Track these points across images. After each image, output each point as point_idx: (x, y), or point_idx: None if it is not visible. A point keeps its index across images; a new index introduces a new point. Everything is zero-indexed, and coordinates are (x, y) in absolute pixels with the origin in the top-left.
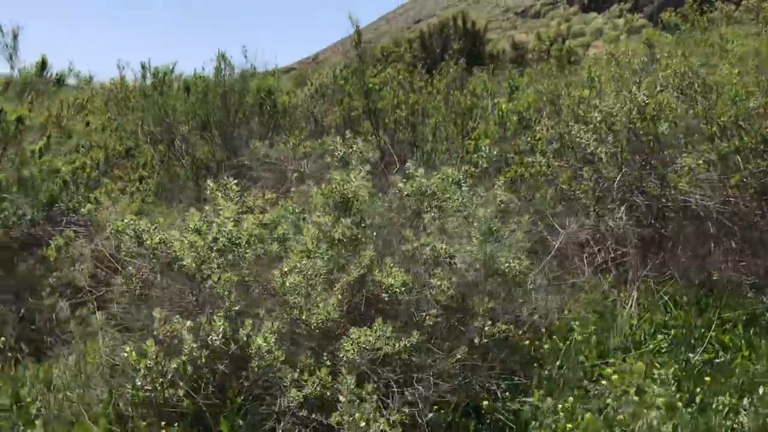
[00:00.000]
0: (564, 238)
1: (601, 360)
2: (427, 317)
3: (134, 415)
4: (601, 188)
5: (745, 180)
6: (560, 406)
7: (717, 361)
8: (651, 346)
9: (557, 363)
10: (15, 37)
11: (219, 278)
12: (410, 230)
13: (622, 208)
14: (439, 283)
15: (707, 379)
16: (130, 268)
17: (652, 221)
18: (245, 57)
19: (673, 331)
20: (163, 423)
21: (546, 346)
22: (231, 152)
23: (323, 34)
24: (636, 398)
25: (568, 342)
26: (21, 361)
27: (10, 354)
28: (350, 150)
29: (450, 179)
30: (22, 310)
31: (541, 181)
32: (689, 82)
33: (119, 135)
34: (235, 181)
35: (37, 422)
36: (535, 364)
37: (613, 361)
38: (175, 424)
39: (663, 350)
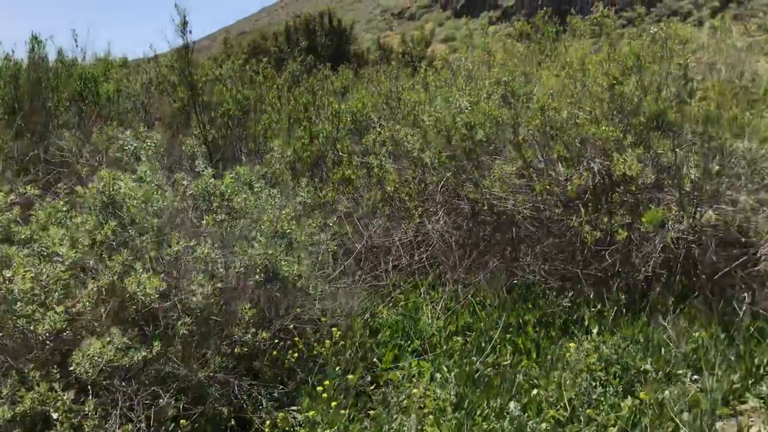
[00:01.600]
0: (369, 240)
1: (394, 364)
2: (182, 325)
3: None
4: (425, 192)
5: (548, 187)
6: (332, 415)
7: (505, 363)
8: (445, 349)
9: (339, 369)
10: None
11: None
12: (176, 233)
13: (440, 212)
14: (197, 288)
15: (488, 382)
16: None
17: (470, 225)
18: (75, 41)
19: (473, 334)
20: None
21: (328, 352)
22: (41, 144)
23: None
24: (405, 403)
25: (361, 346)
26: None
27: None
28: (142, 144)
29: (243, 179)
30: None
31: (373, 182)
32: (505, 92)
33: None
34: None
35: None
36: (317, 371)
37: (403, 365)
38: None
39: (456, 353)
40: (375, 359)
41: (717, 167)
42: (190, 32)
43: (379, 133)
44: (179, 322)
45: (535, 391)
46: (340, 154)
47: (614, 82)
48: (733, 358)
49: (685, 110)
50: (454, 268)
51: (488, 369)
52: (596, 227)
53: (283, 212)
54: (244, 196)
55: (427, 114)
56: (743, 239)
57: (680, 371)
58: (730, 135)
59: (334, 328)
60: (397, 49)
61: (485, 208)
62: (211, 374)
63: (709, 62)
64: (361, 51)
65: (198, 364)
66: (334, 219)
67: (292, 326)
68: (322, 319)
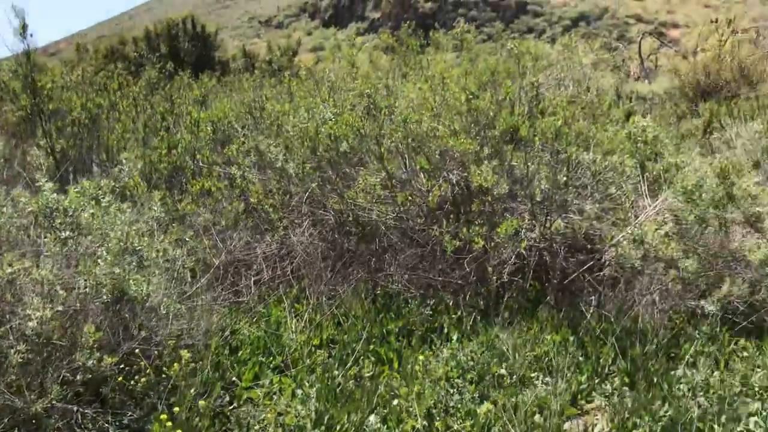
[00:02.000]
0: (230, 254)
1: (255, 382)
2: (16, 353)
3: None
4: (290, 203)
5: (411, 198)
6: None
7: (367, 374)
8: (308, 363)
9: (194, 391)
10: None
11: None
12: (10, 253)
13: (305, 224)
14: (33, 313)
15: (350, 395)
16: None
17: (335, 236)
18: None
19: (337, 347)
20: None
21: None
22: None
23: None
24: (264, 421)
25: (219, 365)
26: None
27: None
28: None
29: (89, 194)
30: None
31: (236, 194)
32: (369, 104)
33: None
34: None
35: None
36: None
37: (264, 383)
38: None
39: (318, 367)
40: (234, 378)
41: (565, 178)
42: (32, 36)
43: (243, 143)
44: (12, 351)
45: (395, 402)
46: (201, 164)
47: (471, 96)
48: (581, 359)
49: (536, 125)
50: (318, 280)
51: (350, 382)
52: (456, 236)
53: (134, 228)
54: (92, 211)
55: (291, 124)
56: (589, 246)
57: (533, 374)
58: (577, 148)
59: (184, 350)
60: (263, 57)
61: (350, 219)
62: (50, 404)
63: (559, 78)
64: (226, 58)
65: (35, 394)
66: (191, 233)
67: (141, 349)
68: (172, 341)
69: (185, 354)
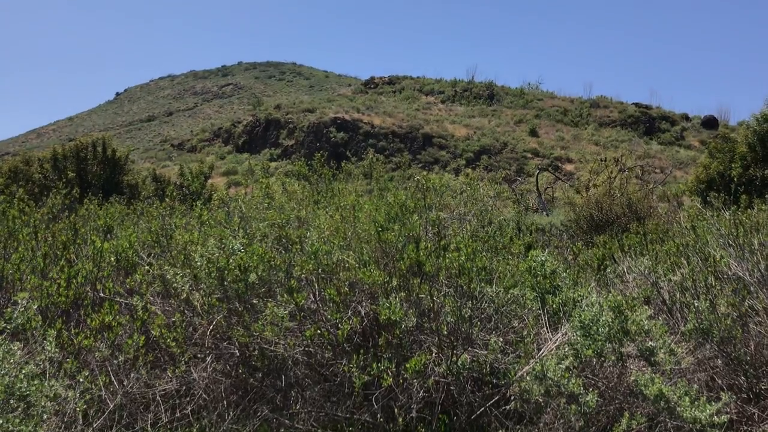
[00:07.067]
0: (127, 395)
1: None
2: None
3: None
4: (193, 336)
5: (319, 331)
6: None
7: None
8: None
9: None
10: None
11: None
12: None
13: (209, 358)
14: None
15: None
16: None
17: (239, 372)
18: None
19: None
20: None
21: None
22: None
23: None
24: None
25: None
26: None
27: None
28: None
29: None
30: None
31: (137, 326)
32: (279, 235)
33: None
34: None
35: None
36: None
37: None
38: None
39: None
40: None
41: (469, 312)
42: None
43: (148, 271)
44: None
45: None
46: (102, 295)
47: (380, 229)
48: None
49: (441, 259)
50: (220, 421)
51: None
52: (365, 371)
53: (24, 370)
54: None
55: (199, 254)
56: (495, 380)
57: None
58: (479, 281)
59: None
60: (174, 181)
61: (256, 352)
62: None
63: (462, 213)
64: (136, 181)
65: None
66: (86, 373)
67: None
68: None
69: None
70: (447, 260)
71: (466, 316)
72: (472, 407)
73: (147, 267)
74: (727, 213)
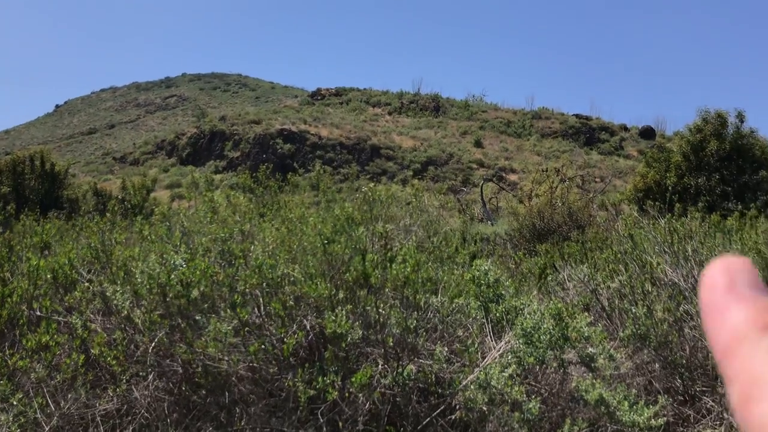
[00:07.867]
0: (63, 417)
1: None
2: None
3: None
4: (135, 354)
5: (264, 346)
6: None
7: None
8: None
9: None
10: None
11: None
12: None
13: (150, 376)
14: None
15: None
16: None
17: (182, 389)
18: None
19: None
20: None
21: None
22: None
23: None
24: None
25: None
26: None
27: None
28: None
29: None
30: None
31: (76, 344)
32: (222, 250)
33: None
34: None
35: None
36: None
37: None
38: None
39: None
40: None
41: (415, 322)
42: None
43: (88, 288)
44: None
45: None
46: (39, 314)
47: (326, 242)
48: None
49: (387, 271)
50: None
51: None
52: (310, 385)
53: None
54: None
55: (139, 270)
56: (440, 390)
57: None
58: (425, 292)
59: None
60: (116, 195)
61: (199, 369)
62: None
63: (408, 224)
64: (76, 196)
65: None
66: (20, 395)
67: None
68: None
69: None
70: (393, 272)
71: (412, 326)
72: (418, 418)
73: (87, 284)
74: (663, 221)
